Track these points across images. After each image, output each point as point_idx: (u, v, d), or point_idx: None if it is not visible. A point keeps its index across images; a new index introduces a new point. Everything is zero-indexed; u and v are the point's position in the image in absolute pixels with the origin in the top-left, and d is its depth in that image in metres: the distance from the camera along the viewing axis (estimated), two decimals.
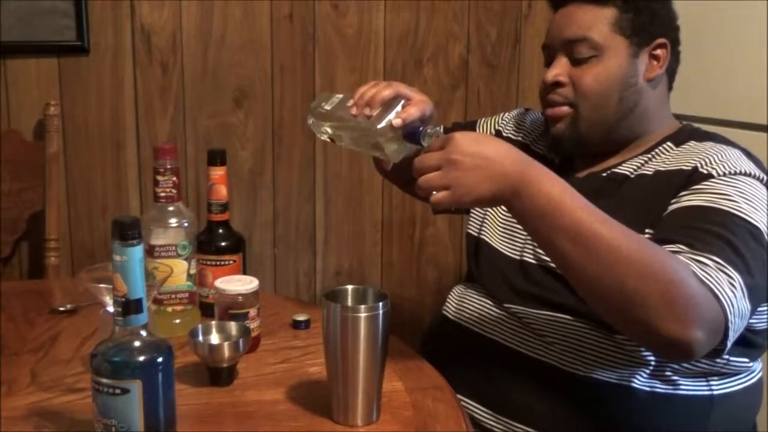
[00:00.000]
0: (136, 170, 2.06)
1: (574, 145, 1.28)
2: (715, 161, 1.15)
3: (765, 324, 1.19)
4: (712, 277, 0.99)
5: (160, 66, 2.03)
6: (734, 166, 1.13)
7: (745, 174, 1.13)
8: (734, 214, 1.07)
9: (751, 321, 1.12)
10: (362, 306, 0.99)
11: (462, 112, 2.28)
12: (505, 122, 1.48)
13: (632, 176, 1.23)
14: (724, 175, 1.12)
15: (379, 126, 1.12)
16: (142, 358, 0.85)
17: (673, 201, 1.13)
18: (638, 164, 1.24)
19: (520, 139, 1.43)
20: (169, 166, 1.24)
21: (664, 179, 1.18)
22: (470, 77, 2.26)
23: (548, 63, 1.30)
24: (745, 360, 1.19)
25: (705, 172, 1.14)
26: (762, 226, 1.07)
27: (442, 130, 1.08)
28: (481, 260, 1.36)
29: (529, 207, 0.98)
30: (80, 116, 2.00)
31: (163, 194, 1.24)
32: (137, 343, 0.85)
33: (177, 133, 2.07)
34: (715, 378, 1.18)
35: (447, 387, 1.12)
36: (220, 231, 1.35)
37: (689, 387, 1.16)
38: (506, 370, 1.23)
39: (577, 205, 0.98)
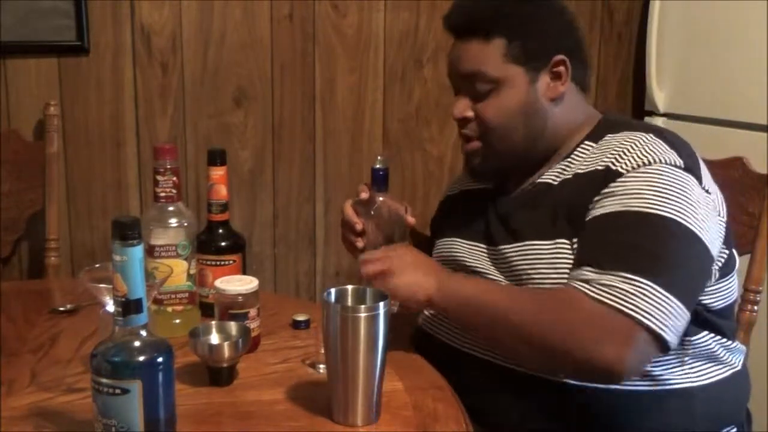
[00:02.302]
0: (136, 170, 2.06)
1: (492, 175, 1.32)
2: (625, 154, 1.15)
3: (724, 302, 1.20)
4: (618, 296, 1.04)
5: (160, 66, 2.03)
6: (643, 156, 1.14)
7: (655, 162, 1.13)
8: (645, 213, 1.09)
9: (707, 301, 1.16)
10: (362, 306, 0.99)
11: None
12: (447, 192, 1.51)
13: (555, 183, 1.23)
14: (633, 169, 1.13)
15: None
16: (142, 358, 0.85)
17: (591, 207, 1.14)
18: (560, 170, 1.24)
19: (456, 192, 1.46)
20: (169, 166, 1.24)
21: (582, 181, 1.18)
22: None
23: (456, 92, 1.30)
24: (717, 336, 1.19)
25: (614, 170, 1.14)
26: (677, 216, 1.09)
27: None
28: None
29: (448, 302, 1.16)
30: (80, 116, 2.00)
31: (163, 194, 1.24)
32: (137, 343, 0.85)
33: (177, 133, 2.07)
34: (695, 363, 1.17)
35: (447, 387, 1.12)
36: (220, 231, 1.35)
37: (667, 381, 1.16)
38: (480, 379, 1.21)
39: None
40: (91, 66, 1.99)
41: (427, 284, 1.16)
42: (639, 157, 1.14)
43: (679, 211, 1.09)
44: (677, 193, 1.10)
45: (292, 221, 2.21)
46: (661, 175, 1.12)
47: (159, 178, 1.24)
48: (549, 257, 1.17)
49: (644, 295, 1.04)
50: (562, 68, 1.24)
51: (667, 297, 1.04)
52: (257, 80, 2.10)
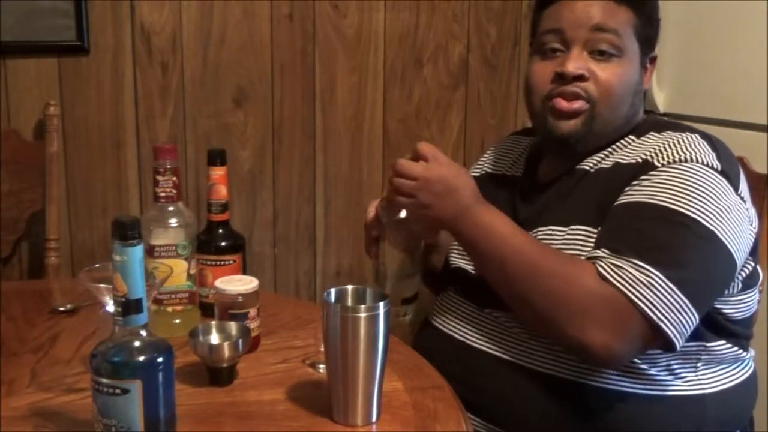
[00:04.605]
0: (136, 170, 2.06)
1: (581, 143, 1.22)
2: (663, 149, 1.15)
3: (744, 313, 1.20)
4: (624, 279, 1.04)
5: (160, 66, 2.03)
6: (681, 154, 1.13)
7: (691, 160, 1.12)
8: (668, 209, 1.08)
9: (726, 311, 1.16)
10: (362, 306, 0.99)
11: (462, 112, 2.28)
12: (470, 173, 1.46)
13: (592, 171, 1.22)
14: (668, 164, 1.13)
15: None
16: (142, 358, 0.85)
17: (621, 196, 1.14)
18: (598, 159, 1.23)
19: (481, 174, 1.43)
20: (169, 166, 1.24)
21: (620, 171, 1.17)
22: (470, 77, 2.26)
23: (548, 51, 1.23)
24: (733, 347, 1.19)
25: (651, 162, 1.14)
26: (700, 216, 1.08)
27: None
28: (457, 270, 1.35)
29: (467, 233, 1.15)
30: (80, 116, 2.00)
31: (163, 194, 1.24)
32: (137, 343, 0.85)
33: (177, 133, 2.07)
34: (708, 369, 1.17)
35: (447, 387, 1.12)
36: (220, 231, 1.35)
37: (680, 387, 1.16)
38: (494, 377, 1.21)
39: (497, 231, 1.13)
40: (91, 66, 1.99)
41: (446, 217, 1.15)
42: (676, 153, 1.14)
43: (703, 212, 1.08)
44: (706, 194, 1.09)
45: (292, 221, 2.21)
46: (694, 174, 1.11)
47: (159, 178, 1.24)
48: (571, 242, 1.16)
49: (652, 285, 1.03)
50: (651, 66, 1.26)
51: (675, 292, 1.04)
52: (257, 80, 2.10)
